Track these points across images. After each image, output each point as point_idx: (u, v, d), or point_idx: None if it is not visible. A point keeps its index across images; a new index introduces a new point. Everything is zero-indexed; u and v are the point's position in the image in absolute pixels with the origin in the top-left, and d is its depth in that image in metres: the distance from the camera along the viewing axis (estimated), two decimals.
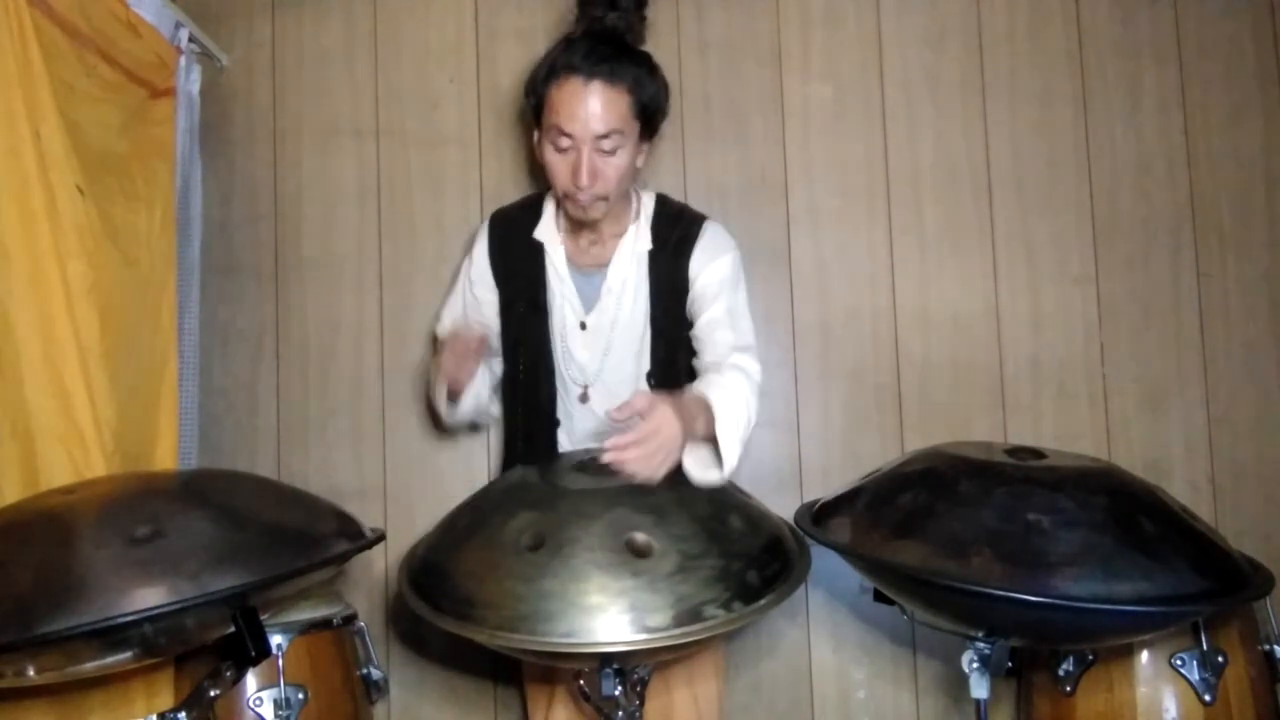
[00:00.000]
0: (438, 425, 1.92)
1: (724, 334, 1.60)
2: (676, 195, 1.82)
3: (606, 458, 1.32)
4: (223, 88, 2.03)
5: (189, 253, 1.89)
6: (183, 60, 1.84)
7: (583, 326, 1.66)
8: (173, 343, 1.69)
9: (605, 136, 1.49)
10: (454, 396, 1.67)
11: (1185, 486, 1.95)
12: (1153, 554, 1.19)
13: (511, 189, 1.99)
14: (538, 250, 1.68)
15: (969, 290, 2.01)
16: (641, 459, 1.32)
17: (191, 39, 1.87)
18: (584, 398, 1.68)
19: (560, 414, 1.69)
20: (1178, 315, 2.01)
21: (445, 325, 1.73)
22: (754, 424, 1.52)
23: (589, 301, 1.66)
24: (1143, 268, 2.01)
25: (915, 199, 2.02)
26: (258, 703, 1.45)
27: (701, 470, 1.44)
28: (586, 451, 1.54)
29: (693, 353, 1.67)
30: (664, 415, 1.34)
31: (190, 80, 1.89)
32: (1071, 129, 2.03)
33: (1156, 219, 2.02)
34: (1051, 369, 2.00)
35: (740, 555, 1.25)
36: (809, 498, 1.55)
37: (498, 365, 1.75)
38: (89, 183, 1.46)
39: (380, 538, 1.39)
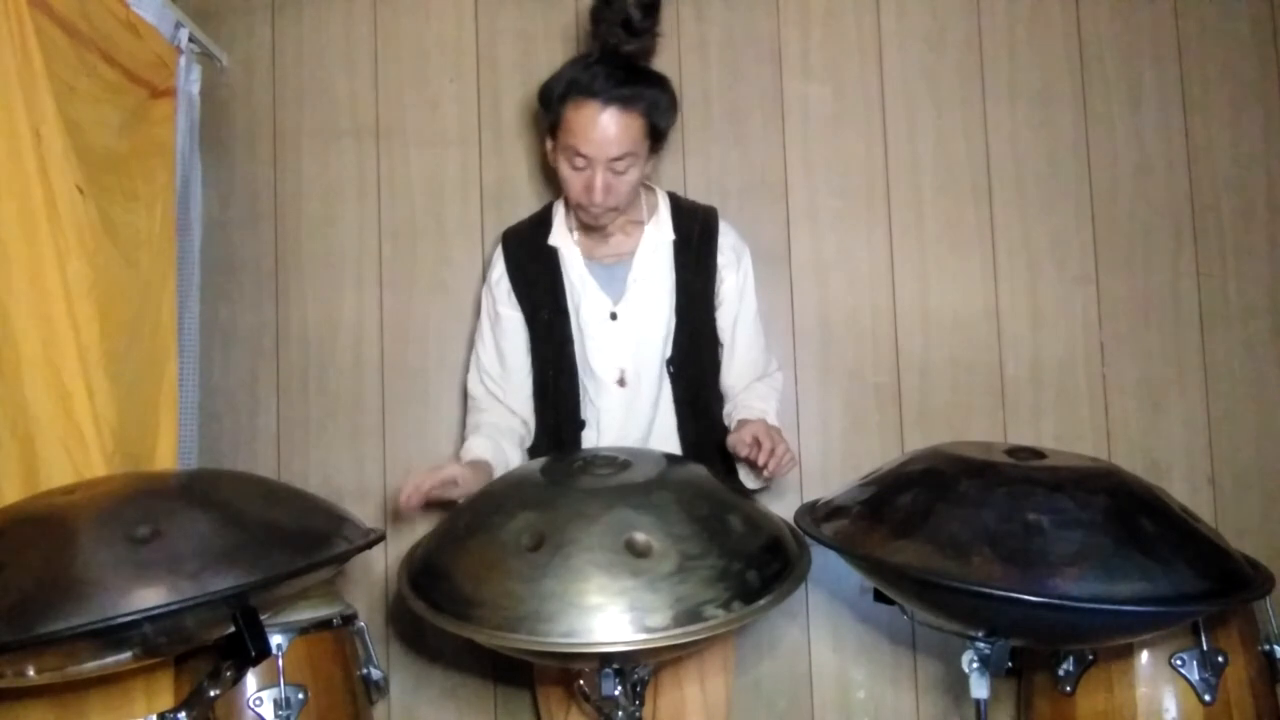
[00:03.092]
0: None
1: (755, 351, 1.74)
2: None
3: (771, 465, 1.51)
4: (223, 88, 2.03)
5: (189, 253, 1.89)
6: (183, 60, 1.84)
7: (613, 317, 1.68)
8: (173, 342, 1.69)
9: (619, 159, 1.55)
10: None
11: (1185, 486, 1.95)
12: (1153, 554, 1.19)
13: (511, 189, 2.00)
14: (553, 255, 1.71)
15: (969, 290, 2.01)
16: (785, 453, 1.54)
17: (191, 39, 1.87)
18: (621, 381, 1.69)
19: (587, 414, 1.71)
20: (1178, 315, 2.01)
21: (474, 383, 1.77)
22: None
23: (616, 293, 1.69)
24: (1143, 268, 2.01)
25: (915, 199, 2.02)
26: (258, 703, 1.46)
27: (753, 480, 1.66)
28: (590, 450, 1.54)
29: (715, 342, 1.73)
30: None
31: (190, 80, 1.90)
32: (1071, 129, 2.03)
33: (1156, 219, 2.02)
34: (1051, 369, 2.00)
35: (740, 555, 1.25)
36: (809, 498, 1.55)
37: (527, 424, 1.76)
38: (89, 183, 1.46)
39: (380, 538, 1.40)
